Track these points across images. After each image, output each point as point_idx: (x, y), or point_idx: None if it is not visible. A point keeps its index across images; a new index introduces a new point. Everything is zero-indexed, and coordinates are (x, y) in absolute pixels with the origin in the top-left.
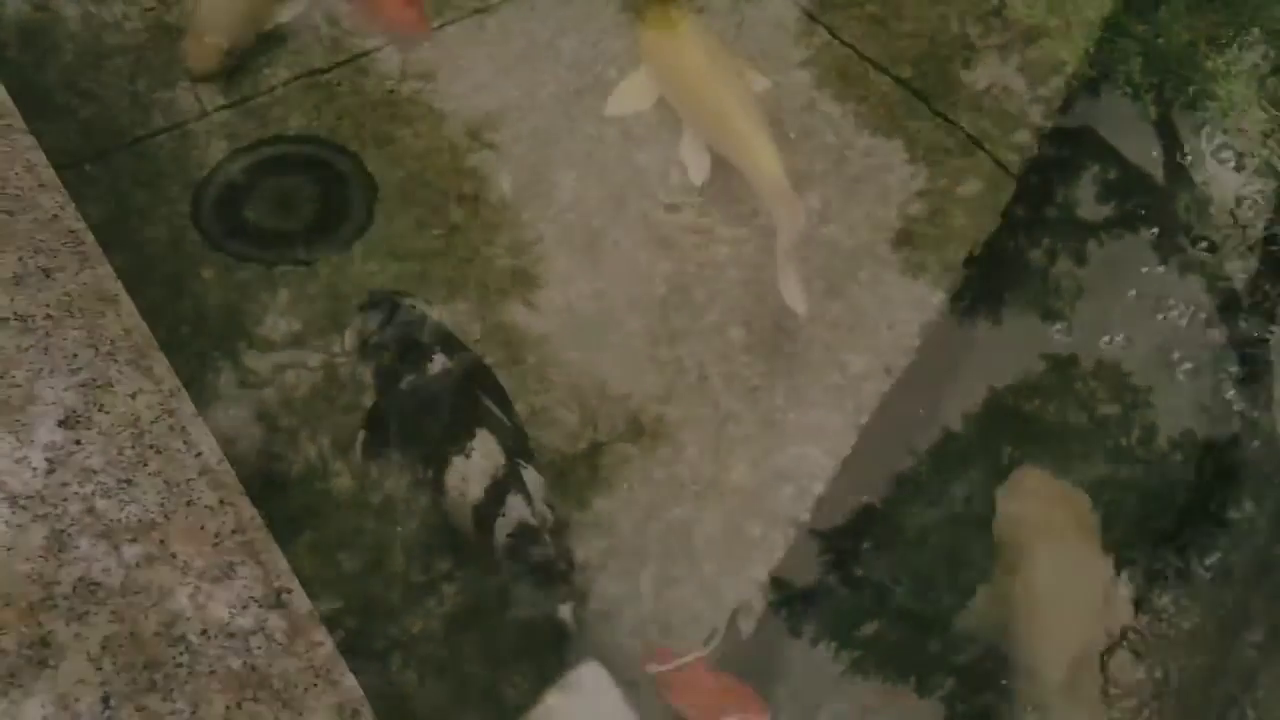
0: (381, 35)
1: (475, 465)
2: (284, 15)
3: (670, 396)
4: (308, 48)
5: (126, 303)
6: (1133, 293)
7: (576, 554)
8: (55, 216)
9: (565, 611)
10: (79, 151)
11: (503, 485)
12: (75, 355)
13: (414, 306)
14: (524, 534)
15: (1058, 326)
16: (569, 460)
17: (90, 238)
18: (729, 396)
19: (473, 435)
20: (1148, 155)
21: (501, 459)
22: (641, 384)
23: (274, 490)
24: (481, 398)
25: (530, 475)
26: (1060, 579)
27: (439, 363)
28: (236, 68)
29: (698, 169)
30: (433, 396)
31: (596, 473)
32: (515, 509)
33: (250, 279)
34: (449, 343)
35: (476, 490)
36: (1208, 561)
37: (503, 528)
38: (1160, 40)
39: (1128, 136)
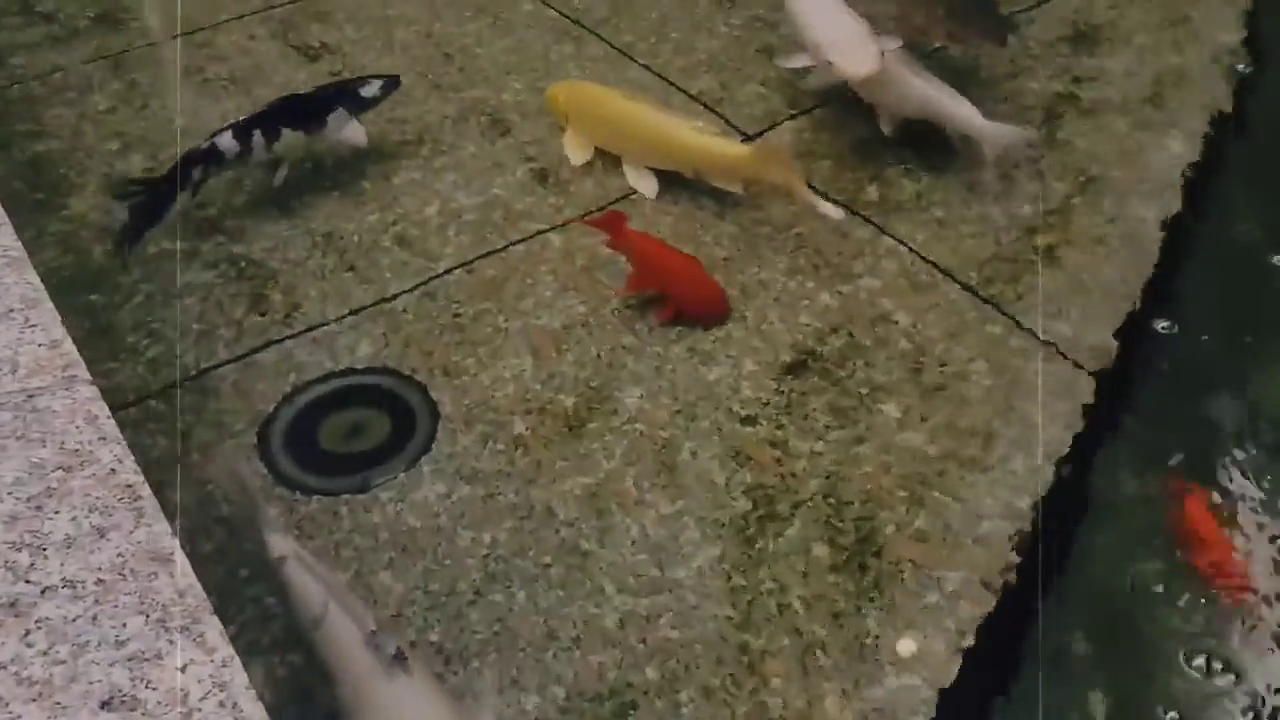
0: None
1: (218, 140)
2: None
3: (750, 623)
4: (377, 273)
5: (182, 562)
6: None
7: None
8: (113, 471)
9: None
10: (143, 387)
11: (225, 133)
12: (124, 625)
13: None
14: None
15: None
16: (643, 693)
17: (147, 491)
18: (814, 622)
19: (201, 146)
20: None
21: (206, 141)
22: (720, 609)
23: None
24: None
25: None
26: None
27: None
28: None
29: (648, 187)
30: None
31: (677, 710)
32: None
33: (314, 513)
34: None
35: (227, 147)
36: None
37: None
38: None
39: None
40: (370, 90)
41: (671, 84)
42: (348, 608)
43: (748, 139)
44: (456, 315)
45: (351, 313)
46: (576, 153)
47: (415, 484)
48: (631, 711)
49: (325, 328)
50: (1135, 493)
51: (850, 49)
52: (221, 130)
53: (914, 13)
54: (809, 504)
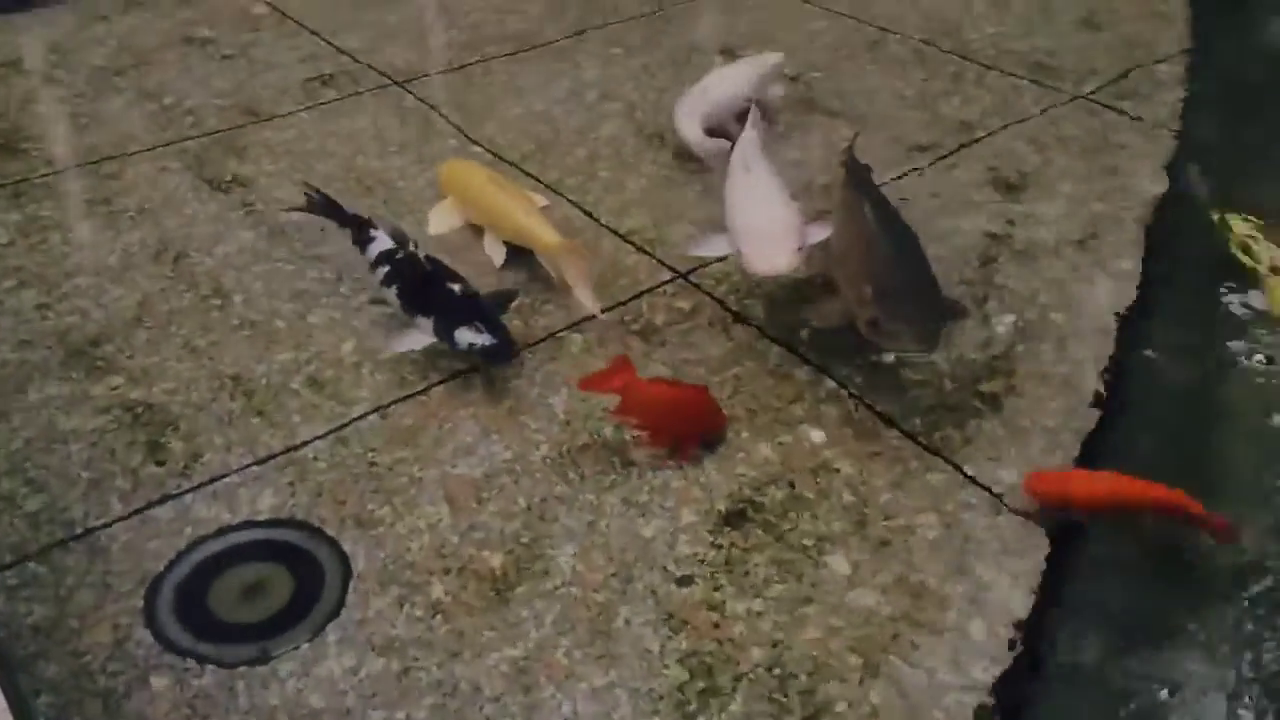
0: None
1: (377, 244)
2: None
3: None
4: (285, 418)
5: None
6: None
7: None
8: None
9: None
10: (23, 547)
11: (391, 250)
12: None
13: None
14: (384, 258)
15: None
16: None
17: None
18: None
19: (373, 236)
20: None
21: (390, 243)
22: None
23: None
24: (376, 224)
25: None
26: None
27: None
28: None
29: (497, 256)
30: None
31: None
32: (381, 243)
33: (206, 687)
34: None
35: (374, 255)
36: None
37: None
38: None
39: None
40: (464, 339)
41: (603, 225)
42: None
43: (680, 277)
44: (373, 464)
45: (257, 462)
46: (437, 221)
47: (320, 655)
48: None
49: (228, 478)
50: (1099, 657)
51: (765, 242)
52: (397, 238)
53: (846, 282)
54: (750, 676)
